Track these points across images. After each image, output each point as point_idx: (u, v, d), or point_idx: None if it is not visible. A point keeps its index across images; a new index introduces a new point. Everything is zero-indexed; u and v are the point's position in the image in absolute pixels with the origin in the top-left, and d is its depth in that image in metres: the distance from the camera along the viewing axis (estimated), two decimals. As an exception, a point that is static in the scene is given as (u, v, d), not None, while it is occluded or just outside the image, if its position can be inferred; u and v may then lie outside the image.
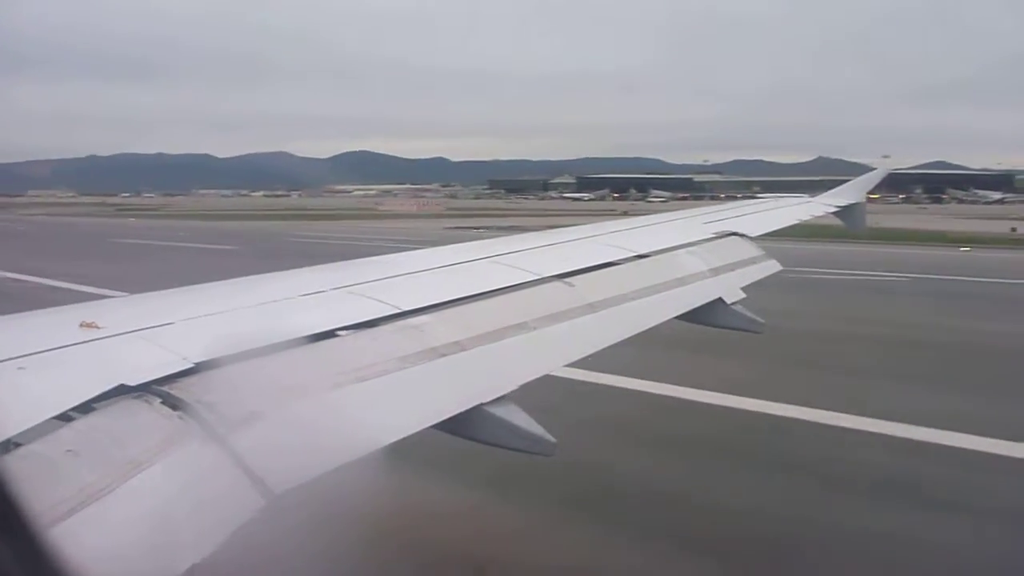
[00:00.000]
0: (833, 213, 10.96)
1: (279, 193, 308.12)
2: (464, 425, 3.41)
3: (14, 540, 1.65)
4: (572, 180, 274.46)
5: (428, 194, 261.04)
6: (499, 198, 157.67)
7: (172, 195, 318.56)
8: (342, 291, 3.99)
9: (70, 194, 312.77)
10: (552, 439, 3.56)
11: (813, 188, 13.68)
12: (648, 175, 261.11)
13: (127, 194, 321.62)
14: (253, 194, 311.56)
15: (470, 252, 5.33)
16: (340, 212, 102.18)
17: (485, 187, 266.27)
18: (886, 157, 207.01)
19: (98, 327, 3.00)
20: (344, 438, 2.92)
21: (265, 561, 2.62)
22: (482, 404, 3.44)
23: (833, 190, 12.18)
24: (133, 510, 2.25)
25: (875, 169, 15.42)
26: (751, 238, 7.46)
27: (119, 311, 3.34)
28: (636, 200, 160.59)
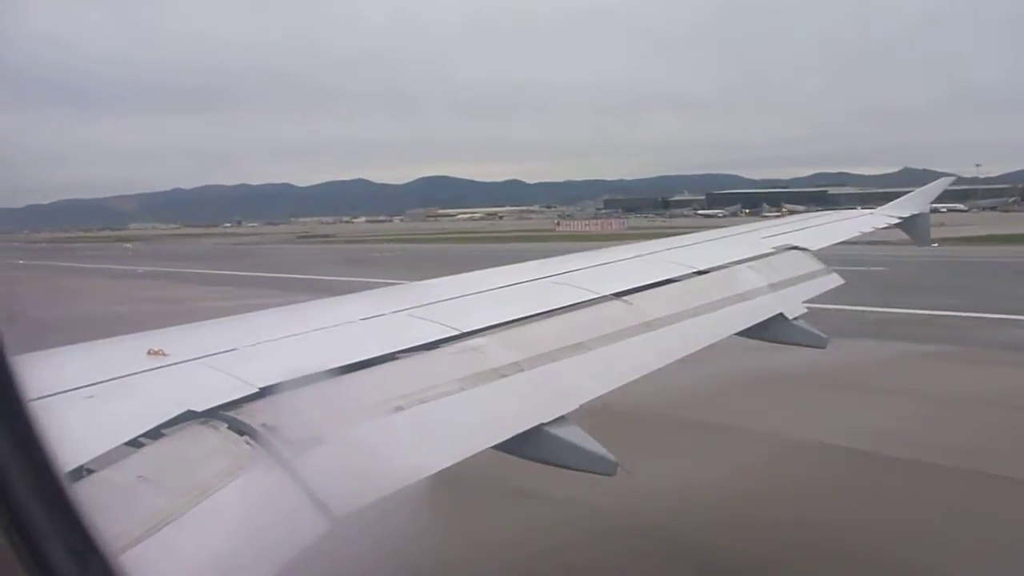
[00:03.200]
0: (896, 225, 10.75)
1: (381, 219, 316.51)
2: (525, 445, 3.45)
3: (89, 566, 1.74)
4: (692, 196, 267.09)
5: (533, 215, 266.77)
6: (618, 217, 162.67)
7: (274, 223, 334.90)
8: (402, 314, 4.10)
9: (172, 226, 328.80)
10: (613, 458, 3.60)
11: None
12: (779, 189, 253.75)
13: (229, 224, 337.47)
14: (356, 220, 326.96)
15: (528, 272, 5.44)
16: (518, 235, 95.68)
17: (600, 207, 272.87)
18: (978, 166, 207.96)
19: (165, 354, 3.12)
20: (405, 461, 3.00)
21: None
22: (542, 424, 3.49)
23: (895, 201, 12.01)
24: (202, 534, 2.32)
25: (951, 177, 15.22)
26: (811, 252, 7.43)
27: (185, 339, 3.44)
28: (770, 215, 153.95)
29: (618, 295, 4.99)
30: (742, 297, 5.83)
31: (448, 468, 3.04)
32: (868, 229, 9.88)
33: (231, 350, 3.29)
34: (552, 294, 4.87)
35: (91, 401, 2.74)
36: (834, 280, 7.10)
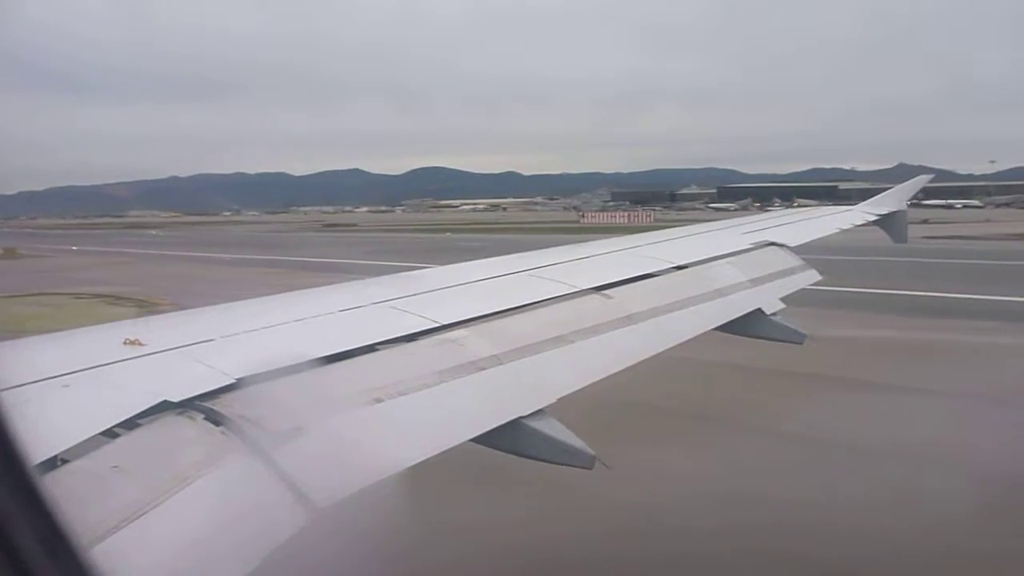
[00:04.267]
0: (873, 222, 10.73)
1: (383, 209, 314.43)
2: (503, 438, 3.43)
3: (60, 556, 1.71)
4: (700, 190, 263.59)
5: (537, 207, 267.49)
6: (626, 210, 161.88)
7: (275, 212, 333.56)
8: (382, 306, 4.07)
9: (172, 214, 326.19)
10: (591, 452, 3.56)
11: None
12: (791, 183, 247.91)
13: (228, 212, 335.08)
14: (357, 210, 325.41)
15: (508, 265, 5.40)
16: (549, 227, 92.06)
17: (608, 199, 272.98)
18: (992, 162, 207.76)
19: (141, 344, 3.07)
20: (384, 452, 2.96)
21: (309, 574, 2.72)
22: (521, 417, 3.47)
23: (873, 198, 11.96)
24: (178, 525, 2.28)
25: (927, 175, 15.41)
26: (790, 248, 7.46)
27: (161, 328, 3.41)
28: (782, 208, 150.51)
29: (597, 289, 5.00)
30: (721, 292, 5.84)
31: (426, 460, 3.03)
32: (847, 226, 9.94)
33: (208, 340, 3.25)
34: (531, 287, 4.86)
35: (66, 390, 2.71)
36: (812, 276, 7.16)
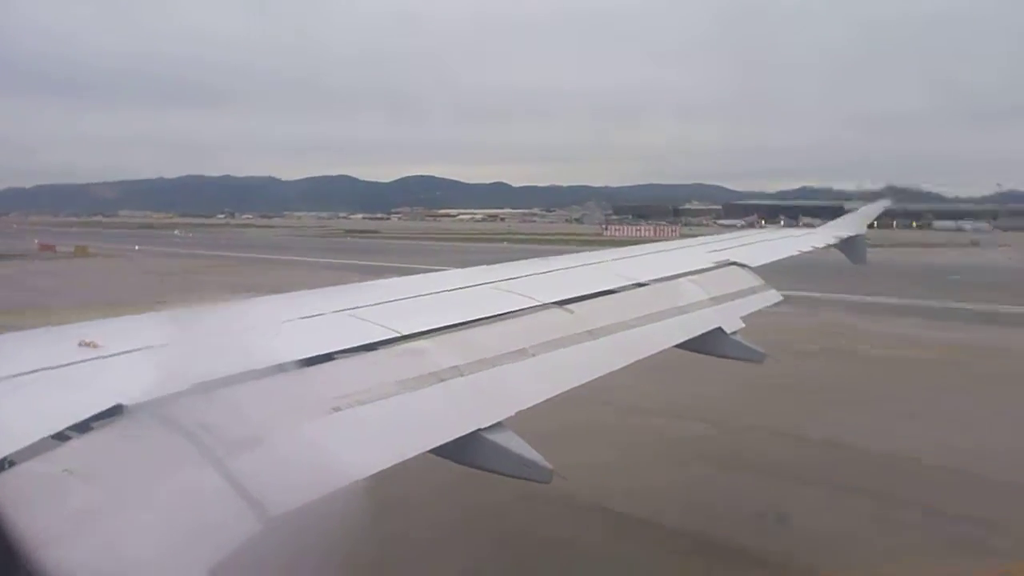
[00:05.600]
0: (834, 245, 10.90)
1: (378, 216, 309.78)
2: (461, 451, 3.40)
3: (5, 560, 1.71)
4: (702, 206, 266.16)
5: (536, 218, 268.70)
6: (629, 224, 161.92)
7: (268, 216, 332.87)
8: (343, 314, 4.02)
9: (165, 215, 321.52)
10: (548, 466, 3.53)
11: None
12: (799, 202, 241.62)
13: (222, 216, 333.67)
14: (352, 216, 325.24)
15: (471, 277, 5.37)
16: (565, 238, 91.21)
17: (609, 212, 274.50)
18: (999, 185, 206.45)
19: (97, 346, 3.02)
20: (341, 462, 2.92)
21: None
22: (479, 430, 3.44)
23: (835, 221, 12.22)
24: (130, 531, 2.23)
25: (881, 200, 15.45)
26: (751, 268, 7.50)
27: (118, 331, 3.33)
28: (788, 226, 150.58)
29: (560, 303, 4.99)
30: (682, 310, 5.87)
31: (383, 470, 2.99)
32: (808, 248, 10.07)
33: (165, 344, 3.19)
34: (495, 300, 4.83)
35: (18, 391, 2.66)
36: (773, 296, 7.19)
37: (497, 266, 6.08)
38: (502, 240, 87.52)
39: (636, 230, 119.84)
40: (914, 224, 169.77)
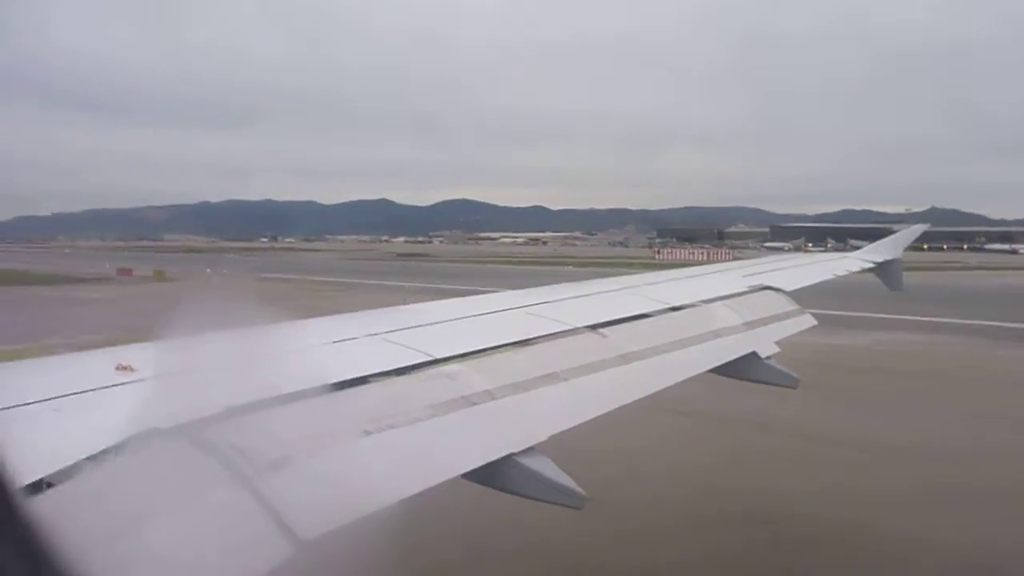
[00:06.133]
0: (869, 270, 10.74)
1: (420, 240, 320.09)
2: (494, 475, 3.37)
3: None
4: (748, 228, 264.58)
5: (577, 241, 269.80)
6: (679, 247, 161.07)
7: (311, 239, 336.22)
8: (375, 338, 4.04)
9: (208, 239, 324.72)
10: (582, 492, 3.48)
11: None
12: (844, 224, 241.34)
13: (264, 240, 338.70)
14: (394, 240, 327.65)
15: (502, 302, 5.40)
16: (623, 262, 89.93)
17: (653, 235, 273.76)
18: None
19: (133, 370, 3.07)
20: (372, 486, 2.92)
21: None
22: (512, 454, 3.41)
23: (870, 246, 12.09)
24: (163, 553, 2.25)
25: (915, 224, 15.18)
26: (786, 292, 7.46)
27: (153, 355, 3.31)
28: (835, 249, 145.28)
29: (593, 327, 4.95)
30: (716, 334, 5.80)
31: (414, 495, 2.97)
32: (843, 272, 9.93)
33: (199, 368, 3.14)
34: (527, 324, 4.80)
35: (57, 414, 2.69)
36: (807, 321, 7.08)
37: (529, 290, 6.09)
38: (565, 264, 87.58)
39: (690, 253, 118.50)
40: (965, 247, 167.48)
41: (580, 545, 9.50)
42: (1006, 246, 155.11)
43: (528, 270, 77.41)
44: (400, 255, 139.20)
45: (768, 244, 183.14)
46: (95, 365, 3.17)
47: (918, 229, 13.95)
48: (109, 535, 2.16)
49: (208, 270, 73.92)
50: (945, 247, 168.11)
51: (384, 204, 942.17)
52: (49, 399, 2.76)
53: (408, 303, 5.53)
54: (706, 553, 9.85)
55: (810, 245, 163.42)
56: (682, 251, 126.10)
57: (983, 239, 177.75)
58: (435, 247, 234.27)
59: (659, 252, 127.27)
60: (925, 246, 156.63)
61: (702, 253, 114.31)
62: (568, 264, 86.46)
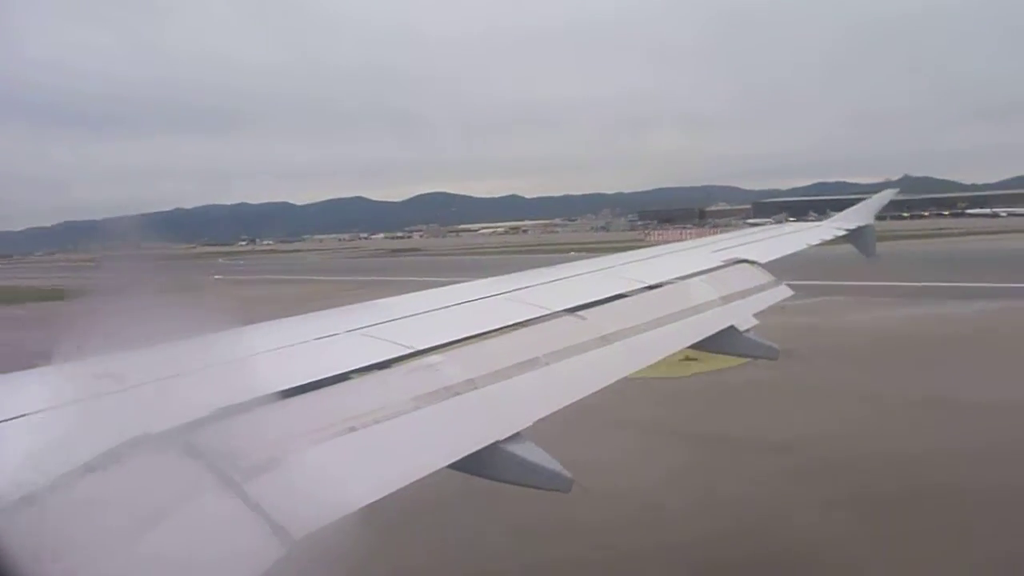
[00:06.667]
0: (842, 237, 10.78)
1: (399, 235, 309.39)
2: (480, 464, 3.37)
3: None
4: (730, 207, 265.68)
5: (558, 228, 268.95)
6: (653, 229, 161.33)
7: (289, 241, 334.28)
8: (355, 333, 4.01)
9: (188, 246, 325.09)
10: (568, 475, 3.52)
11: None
12: (827, 197, 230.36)
13: (243, 242, 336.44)
14: (373, 236, 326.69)
15: (480, 289, 5.37)
16: (616, 246, 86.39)
17: (635, 219, 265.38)
18: None
19: (117, 376, 2.99)
20: (360, 481, 2.92)
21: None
22: (498, 442, 3.42)
23: (841, 213, 12.08)
24: (154, 560, 2.23)
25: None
26: (761, 264, 7.46)
27: (136, 361, 3.19)
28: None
29: (571, 310, 4.96)
30: (694, 310, 5.80)
31: (403, 487, 2.98)
32: (816, 242, 9.90)
33: (182, 373, 3.18)
34: (506, 310, 4.79)
35: (42, 424, 2.67)
36: (784, 291, 7.09)
37: (506, 276, 6.07)
38: (568, 251, 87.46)
39: (681, 234, 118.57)
40: (947, 213, 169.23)
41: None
42: (987, 210, 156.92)
43: (535, 259, 77.24)
44: (393, 251, 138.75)
45: (751, 220, 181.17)
46: (79, 373, 3.03)
47: (888, 194, 13.83)
48: (97, 545, 2.15)
49: (216, 276, 73.21)
50: (927, 214, 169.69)
51: (359, 202, 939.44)
52: (35, 411, 2.74)
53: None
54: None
55: (792, 219, 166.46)
56: (672, 232, 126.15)
57: (965, 205, 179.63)
58: (416, 241, 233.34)
59: (650, 234, 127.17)
60: (906, 214, 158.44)
61: (693, 233, 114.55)
62: (571, 251, 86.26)
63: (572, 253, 77.31)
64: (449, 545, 9.24)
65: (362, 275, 65.43)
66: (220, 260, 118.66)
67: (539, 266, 6.47)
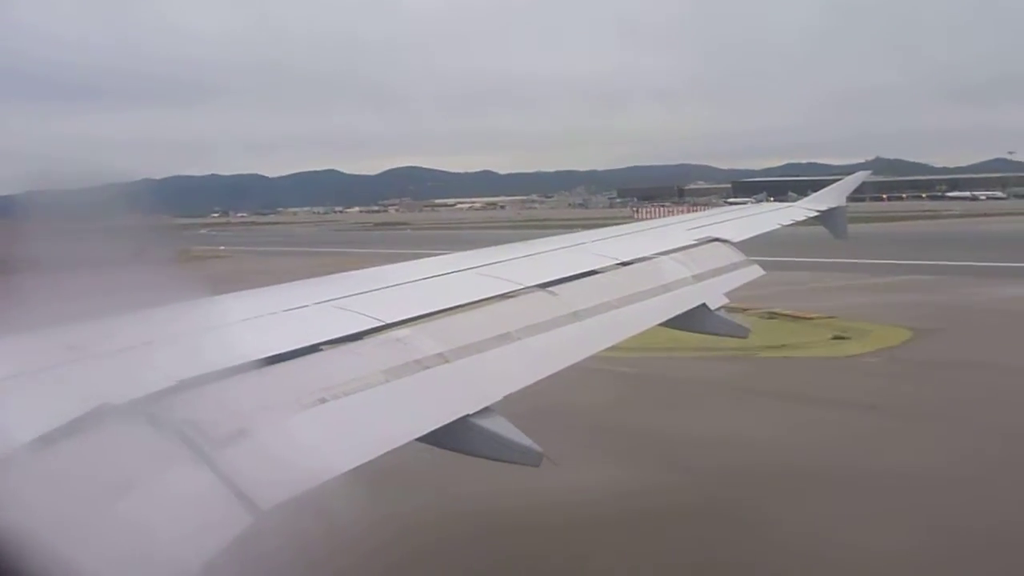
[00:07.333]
0: (814, 218, 10.80)
1: (375, 208, 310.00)
2: (450, 437, 3.39)
3: None
4: (708, 185, 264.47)
5: (536, 204, 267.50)
6: (637, 206, 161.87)
7: (263, 213, 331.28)
8: (326, 305, 3.99)
9: (163, 216, 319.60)
10: (539, 449, 3.53)
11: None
12: (806, 177, 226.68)
13: (216, 214, 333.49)
14: (348, 210, 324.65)
15: (453, 264, 5.34)
16: (606, 222, 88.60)
17: (613, 195, 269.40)
18: (1011, 153, 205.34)
19: (81, 347, 2.96)
20: (329, 453, 2.92)
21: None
22: (468, 416, 3.43)
23: (814, 195, 12.10)
24: (119, 530, 2.21)
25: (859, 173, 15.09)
26: (733, 243, 7.49)
27: (102, 331, 3.19)
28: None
29: (543, 286, 4.95)
30: (666, 288, 5.84)
31: (372, 460, 2.98)
32: (787, 222, 10.03)
33: (149, 343, 3.14)
34: (478, 285, 4.79)
35: (4, 394, 2.64)
36: (755, 271, 7.20)
37: (479, 251, 6.09)
38: (551, 227, 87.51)
39: (668, 211, 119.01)
40: (924, 196, 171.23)
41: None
42: (967, 193, 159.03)
43: (525, 234, 77.04)
44: (378, 224, 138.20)
45: (731, 200, 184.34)
46: (41, 343, 3.00)
47: (860, 176, 14.15)
48: (62, 516, 2.14)
49: (221, 247, 72.20)
50: (905, 196, 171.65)
51: (331, 175, 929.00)
52: None
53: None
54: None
55: (772, 199, 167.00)
56: (660, 209, 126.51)
57: (944, 187, 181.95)
58: (396, 215, 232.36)
59: (637, 211, 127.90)
60: (884, 196, 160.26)
61: (683, 209, 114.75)
62: (578, 228, 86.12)
63: (580, 231, 77.25)
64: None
65: (368, 247, 65.19)
66: (203, 231, 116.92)
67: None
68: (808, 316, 23.99)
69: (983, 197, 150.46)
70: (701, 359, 17.68)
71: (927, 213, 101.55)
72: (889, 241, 53.58)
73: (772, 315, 24.02)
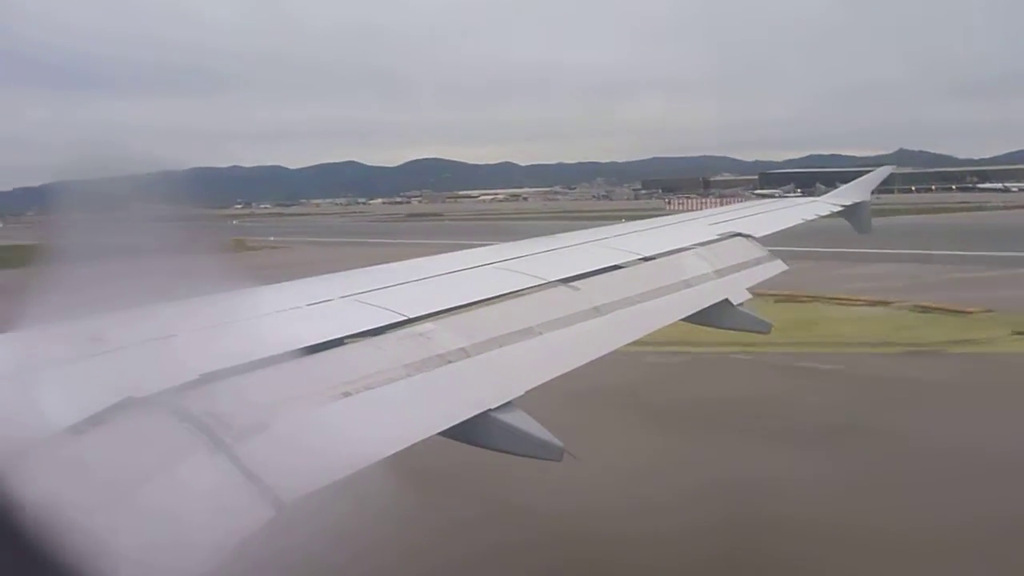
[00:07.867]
0: (838, 213, 10.72)
1: (397, 200, 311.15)
2: (471, 432, 3.40)
3: (22, 555, 1.75)
4: (733, 177, 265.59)
5: (559, 196, 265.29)
6: (664, 198, 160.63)
7: (286, 204, 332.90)
8: (349, 299, 4.03)
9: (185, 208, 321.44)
10: (559, 443, 3.52)
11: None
12: (832, 169, 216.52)
13: (239, 206, 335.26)
14: (371, 202, 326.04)
15: (475, 258, 5.38)
16: (639, 214, 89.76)
17: (637, 187, 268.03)
18: None
19: (106, 340, 2.99)
20: (351, 446, 2.94)
21: (275, 571, 2.66)
22: (489, 410, 3.44)
23: (837, 189, 12.04)
24: (143, 523, 2.25)
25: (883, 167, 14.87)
26: (756, 239, 7.44)
27: (127, 324, 3.20)
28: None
29: (565, 281, 4.95)
30: (688, 283, 5.81)
31: (394, 454, 3.00)
32: (811, 217, 9.92)
33: (173, 336, 3.19)
34: (499, 279, 4.80)
35: (32, 387, 2.66)
36: (778, 266, 7.13)
37: (500, 245, 6.06)
38: (618, 218, 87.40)
39: (702, 203, 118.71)
40: (954, 187, 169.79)
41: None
42: (999, 185, 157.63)
43: (563, 226, 77.10)
44: (409, 216, 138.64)
45: (758, 192, 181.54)
46: (66, 337, 2.99)
47: (885, 171, 13.94)
48: (87, 508, 2.17)
49: (271, 237, 72.79)
50: (934, 188, 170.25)
51: (352, 166, 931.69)
52: (22, 372, 2.73)
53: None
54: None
55: (799, 191, 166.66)
56: (692, 202, 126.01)
57: (975, 179, 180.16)
58: (419, 207, 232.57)
59: (669, 203, 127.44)
60: (913, 188, 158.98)
61: (717, 202, 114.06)
62: (622, 218, 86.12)
63: (623, 221, 77.31)
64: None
65: (411, 237, 65.57)
66: (234, 222, 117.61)
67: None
68: (966, 310, 22.82)
69: (1015, 189, 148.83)
70: (889, 355, 17.68)
71: (970, 205, 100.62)
72: (968, 233, 53.11)
73: (924, 308, 23.15)
